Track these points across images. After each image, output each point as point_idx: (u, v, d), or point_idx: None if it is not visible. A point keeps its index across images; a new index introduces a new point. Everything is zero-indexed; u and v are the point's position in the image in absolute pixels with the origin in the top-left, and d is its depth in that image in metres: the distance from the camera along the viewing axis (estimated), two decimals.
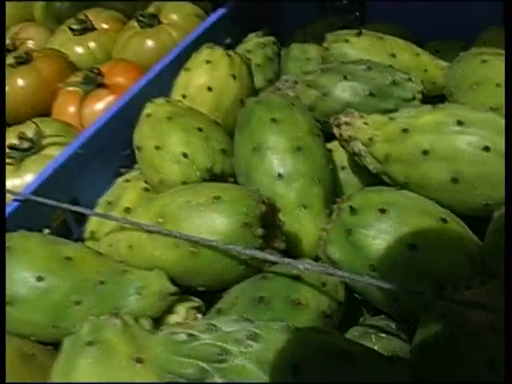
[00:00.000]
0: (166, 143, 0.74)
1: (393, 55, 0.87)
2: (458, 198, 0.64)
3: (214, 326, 0.48)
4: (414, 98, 0.78)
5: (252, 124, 0.73)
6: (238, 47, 1.01)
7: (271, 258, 0.54)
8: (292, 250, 0.67)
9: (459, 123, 0.63)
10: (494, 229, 0.58)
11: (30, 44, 1.23)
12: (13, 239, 0.62)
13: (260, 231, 0.59)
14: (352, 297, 0.64)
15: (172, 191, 0.66)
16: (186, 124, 0.76)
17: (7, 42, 1.21)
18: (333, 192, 0.70)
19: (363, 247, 0.59)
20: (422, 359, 0.52)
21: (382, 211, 0.60)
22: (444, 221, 0.60)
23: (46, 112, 1.03)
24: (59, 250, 0.62)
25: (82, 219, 0.78)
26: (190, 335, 0.47)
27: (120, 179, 0.82)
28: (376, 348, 0.59)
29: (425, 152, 0.63)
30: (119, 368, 0.50)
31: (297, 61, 1.01)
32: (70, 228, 0.78)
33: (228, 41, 0.98)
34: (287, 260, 0.54)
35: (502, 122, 0.63)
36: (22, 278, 0.59)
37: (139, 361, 0.50)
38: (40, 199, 0.70)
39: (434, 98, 0.83)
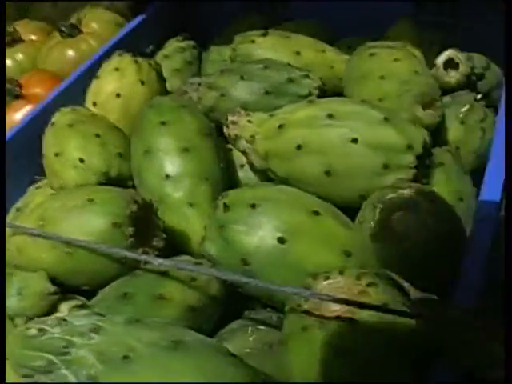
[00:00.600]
0: (65, 149, 0.76)
1: (297, 53, 0.89)
2: (333, 190, 0.66)
3: (65, 320, 0.50)
4: (310, 94, 0.79)
5: (143, 127, 0.75)
6: (158, 53, 1.02)
7: (131, 255, 0.56)
8: (181, 247, 0.69)
9: (330, 116, 0.65)
10: (358, 218, 0.60)
11: None
12: None
13: (130, 230, 0.61)
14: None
15: (52, 195, 0.69)
16: (85, 130, 0.78)
17: None
18: (223, 190, 0.71)
19: (235, 242, 0.61)
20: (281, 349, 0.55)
21: (253, 206, 0.62)
22: (316, 213, 0.62)
23: None
24: None
25: None
26: (41, 330, 0.49)
27: (32, 186, 0.85)
28: (251, 339, 0.61)
29: (299, 147, 0.66)
30: None
31: (214, 63, 1.03)
32: None
33: (150, 47, 1.00)
34: (142, 257, 0.56)
35: (372, 113, 0.65)
36: None
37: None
38: None
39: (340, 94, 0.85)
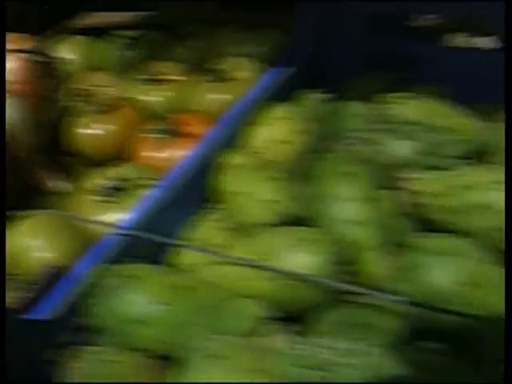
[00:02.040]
0: (252, 190, 0.87)
1: (444, 117, 0.99)
2: None
3: (320, 343, 0.59)
4: (465, 157, 0.88)
5: (324, 176, 0.85)
6: (297, 104, 1.12)
7: (355, 289, 0.66)
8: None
9: None
10: None
11: (106, 91, 1.34)
12: (136, 269, 0.76)
13: (340, 268, 0.72)
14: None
15: (264, 234, 0.79)
16: (268, 173, 0.88)
17: (83, 88, 1.33)
18: (395, 237, 0.81)
19: (428, 283, 0.71)
20: None
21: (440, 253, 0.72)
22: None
23: (120, 156, 1.17)
24: (176, 278, 0.75)
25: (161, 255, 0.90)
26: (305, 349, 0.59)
27: (195, 219, 0.94)
28: None
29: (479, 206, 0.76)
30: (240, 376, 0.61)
31: (356, 116, 1.11)
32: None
33: (285, 98, 1.10)
34: (368, 291, 0.66)
35: None
36: (147, 302, 0.72)
37: (261, 372, 0.61)
38: (143, 234, 0.81)
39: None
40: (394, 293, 0.72)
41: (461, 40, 1.23)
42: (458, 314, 0.61)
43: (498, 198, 0.75)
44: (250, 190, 0.87)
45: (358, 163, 0.85)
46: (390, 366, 0.56)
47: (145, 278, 0.74)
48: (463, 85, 1.09)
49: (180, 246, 0.84)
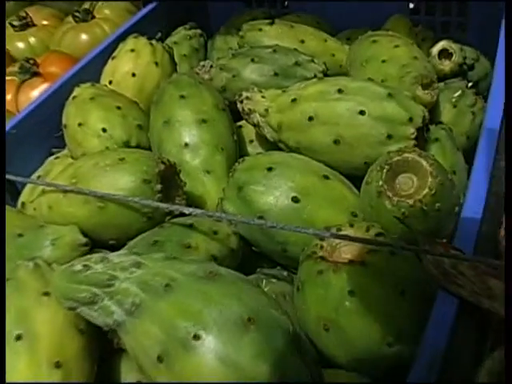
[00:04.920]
0: (88, 120, 0.82)
1: (302, 41, 0.96)
2: (341, 158, 0.72)
3: (107, 258, 0.56)
4: (315, 77, 0.85)
5: (163, 101, 0.81)
6: (167, 39, 1.08)
7: (163, 205, 0.62)
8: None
9: (339, 91, 0.71)
10: (365, 180, 0.66)
11: None
12: None
13: (158, 187, 0.67)
14: (251, 250, 0.72)
15: (84, 157, 0.74)
16: (106, 103, 0.83)
17: None
18: (236, 160, 0.77)
19: (253, 201, 0.67)
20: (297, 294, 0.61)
21: (270, 169, 0.68)
22: (326, 178, 0.68)
23: None
24: None
25: (16, 194, 0.86)
26: (85, 266, 0.55)
27: (51, 158, 0.90)
28: (266, 290, 0.66)
29: (310, 118, 0.72)
30: (27, 299, 0.57)
31: (220, 50, 1.09)
32: (7, 202, 0.85)
33: (159, 35, 1.05)
34: (176, 207, 0.62)
35: (378, 89, 0.72)
36: None
37: (46, 294, 0.57)
38: None
39: None
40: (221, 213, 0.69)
41: None
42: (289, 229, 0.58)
43: (325, 108, 0.71)
44: (83, 120, 0.82)
45: (198, 87, 0.81)
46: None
47: None
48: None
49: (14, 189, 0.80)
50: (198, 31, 1.11)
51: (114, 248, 0.70)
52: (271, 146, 0.80)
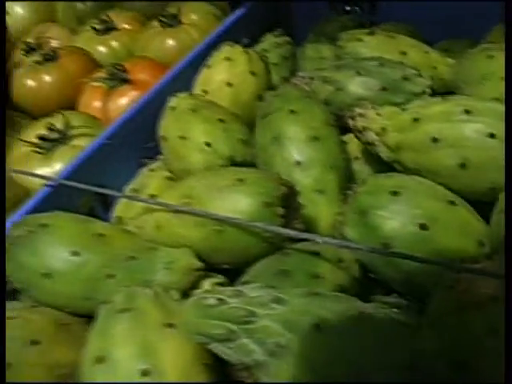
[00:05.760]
0: (190, 133, 0.78)
1: (403, 53, 0.91)
2: (466, 182, 0.67)
3: (241, 291, 0.52)
4: (423, 93, 0.82)
5: (271, 115, 0.77)
6: (255, 47, 1.05)
7: (292, 232, 0.59)
8: (309, 232, 0.71)
9: (466, 112, 0.67)
10: (498, 210, 0.62)
11: (54, 43, 1.28)
12: (48, 218, 0.67)
13: (280, 210, 0.64)
14: (366, 276, 0.68)
15: (197, 175, 0.71)
16: (208, 116, 0.80)
17: (32, 41, 1.26)
18: (347, 179, 0.74)
19: (377, 227, 0.63)
20: (430, 329, 0.57)
21: (395, 193, 0.64)
22: (452, 203, 0.64)
23: (71, 106, 1.09)
24: (92, 227, 0.67)
25: (108, 206, 0.83)
26: (219, 299, 0.52)
27: (144, 169, 0.87)
28: None
29: (434, 140, 0.67)
30: (151, 332, 0.54)
31: (311, 60, 1.06)
32: (97, 215, 0.82)
33: (246, 41, 1.02)
34: (307, 235, 0.58)
35: None
36: (57, 253, 0.64)
37: (170, 325, 0.54)
38: (72, 183, 0.74)
39: (443, 94, 0.87)
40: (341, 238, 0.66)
41: None
42: (413, 258, 0.54)
43: (451, 130, 0.67)
44: (185, 133, 0.79)
45: (306, 101, 0.78)
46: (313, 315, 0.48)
47: (58, 227, 0.66)
48: (430, 23, 1.04)
49: (110, 194, 0.76)
50: (287, 39, 1.08)
51: (226, 271, 0.67)
52: (379, 164, 0.76)
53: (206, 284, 0.65)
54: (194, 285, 0.65)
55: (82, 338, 0.59)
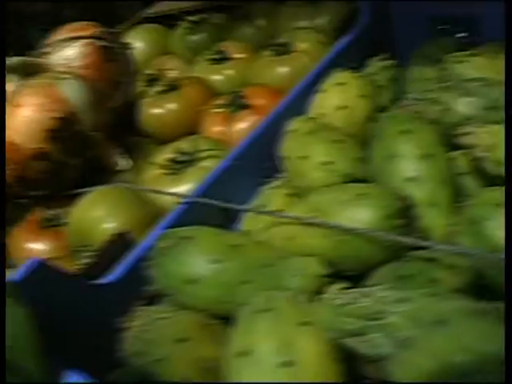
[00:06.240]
0: (311, 154, 0.86)
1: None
2: None
3: (370, 292, 0.59)
4: None
5: (385, 135, 0.84)
6: (363, 70, 1.12)
7: (410, 241, 0.65)
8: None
9: None
10: None
11: (173, 73, 1.39)
12: (190, 231, 0.76)
13: (399, 222, 0.70)
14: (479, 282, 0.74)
15: (320, 191, 0.79)
16: (328, 137, 0.88)
17: (152, 72, 1.38)
18: (457, 193, 0.79)
19: (487, 236, 0.69)
20: None
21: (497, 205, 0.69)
22: None
23: (193, 132, 1.18)
24: (229, 238, 0.76)
25: (233, 221, 0.92)
26: (352, 299, 0.59)
27: (265, 187, 0.95)
28: None
29: None
30: (291, 329, 0.61)
31: (417, 81, 1.11)
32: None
33: (353, 66, 1.09)
34: (424, 243, 0.65)
35: None
36: (200, 262, 0.73)
37: (305, 323, 0.61)
38: (206, 200, 0.83)
39: None
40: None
41: None
42: None
43: None
44: (306, 153, 0.87)
45: (417, 122, 0.84)
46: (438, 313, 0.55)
47: (200, 239, 0.75)
48: None
49: (240, 210, 0.85)
50: (392, 62, 1.14)
51: (349, 278, 0.73)
52: (486, 179, 0.82)
53: (333, 288, 0.72)
54: (322, 289, 0.72)
55: (222, 336, 0.67)
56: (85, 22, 1.20)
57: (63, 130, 0.99)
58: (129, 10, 1.84)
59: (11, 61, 1.13)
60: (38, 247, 1.01)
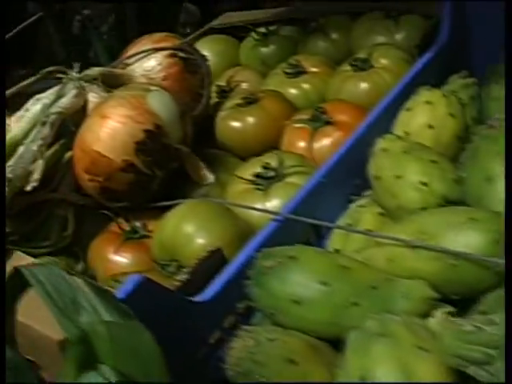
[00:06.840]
0: (406, 173, 0.86)
1: None
2: None
3: (492, 320, 0.59)
4: None
5: (481, 156, 0.84)
6: (444, 88, 1.11)
7: None
8: None
9: None
10: None
11: (245, 86, 1.40)
12: (294, 250, 0.76)
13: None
14: None
15: (429, 212, 0.80)
16: (422, 156, 0.88)
17: (224, 84, 1.39)
18: None
19: None
20: None
21: None
22: None
23: (273, 146, 1.18)
24: (335, 259, 0.76)
25: (321, 239, 0.92)
26: (476, 327, 0.59)
27: (354, 205, 0.95)
28: None
29: None
30: (407, 353, 0.61)
31: (496, 100, 1.10)
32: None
33: (433, 83, 1.09)
34: None
35: None
36: (308, 282, 0.73)
37: (422, 348, 0.61)
38: (299, 218, 0.84)
39: None
40: None
41: None
42: None
43: None
44: (400, 173, 0.87)
45: None
46: None
47: (305, 259, 0.75)
48: None
49: (332, 227, 0.86)
50: (473, 80, 1.13)
51: (451, 302, 0.73)
52: None
53: (438, 313, 0.72)
54: (427, 313, 0.72)
55: (331, 359, 0.67)
56: (164, 34, 1.21)
57: (151, 143, 0.99)
58: (188, 22, 1.86)
59: (92, 71, 1.14)
60: (120, 259, 1.01)
